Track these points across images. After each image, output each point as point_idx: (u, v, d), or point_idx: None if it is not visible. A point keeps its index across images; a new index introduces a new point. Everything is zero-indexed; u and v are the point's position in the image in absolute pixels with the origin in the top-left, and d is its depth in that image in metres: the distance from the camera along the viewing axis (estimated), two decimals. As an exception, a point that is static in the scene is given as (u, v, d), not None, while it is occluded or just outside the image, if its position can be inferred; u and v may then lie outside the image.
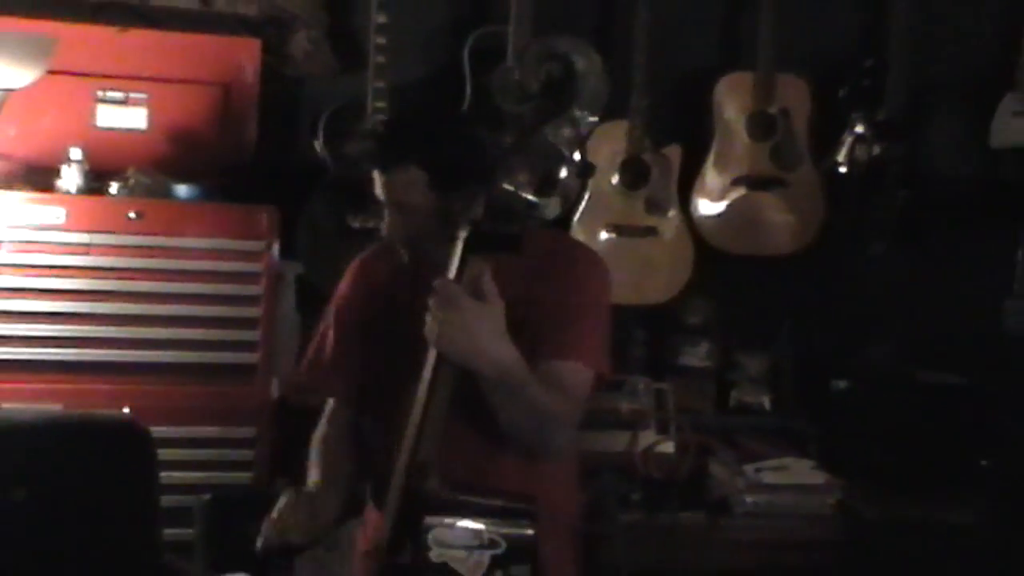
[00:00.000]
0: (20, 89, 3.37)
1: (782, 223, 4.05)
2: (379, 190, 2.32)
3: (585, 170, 3.51)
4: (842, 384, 3.92)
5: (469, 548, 2.08)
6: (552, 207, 2.81)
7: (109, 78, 3.69)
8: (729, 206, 4.03)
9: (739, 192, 4.02)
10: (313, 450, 2.54)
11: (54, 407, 3.41)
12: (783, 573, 3.52)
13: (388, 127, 3.07)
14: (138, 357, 3.50)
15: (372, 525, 2.42)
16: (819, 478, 3.65)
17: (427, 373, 2.15)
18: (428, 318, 2.11)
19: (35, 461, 3.05)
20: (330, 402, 2.60)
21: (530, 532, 2.12)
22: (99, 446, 3.15)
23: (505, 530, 2.10)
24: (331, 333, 2.53)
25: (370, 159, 2.36)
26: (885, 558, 3.49)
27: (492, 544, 2.09)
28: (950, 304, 4.03)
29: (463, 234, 2.12)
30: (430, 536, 2.07)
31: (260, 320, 3.59)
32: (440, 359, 2.12)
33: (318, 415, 2.65)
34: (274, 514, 2.35)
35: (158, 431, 3.19)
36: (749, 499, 3.57)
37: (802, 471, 3.67)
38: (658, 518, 3.49)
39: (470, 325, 2.08)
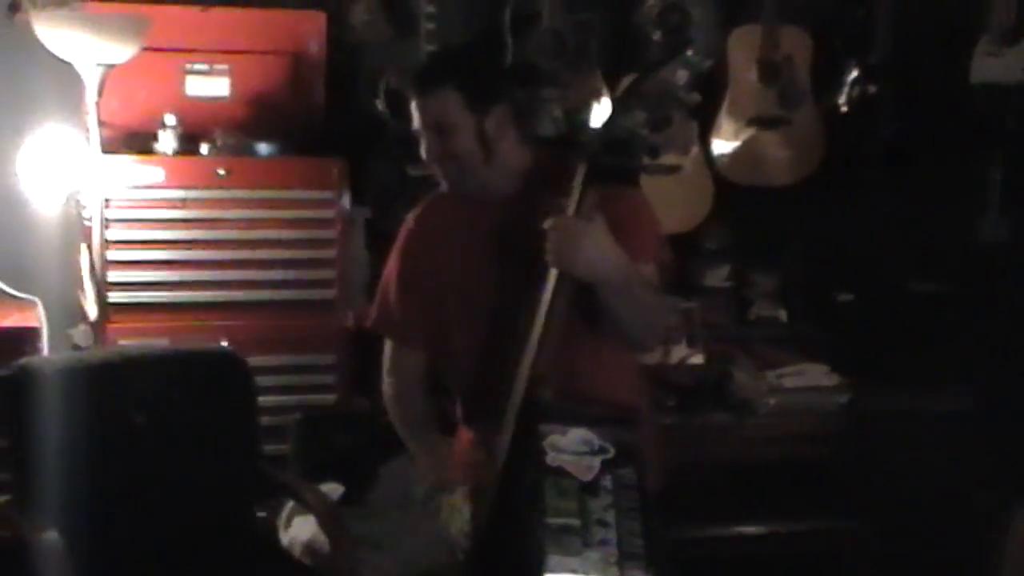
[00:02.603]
0: (119, 64, 3.53)
1: (786, 157, 4.22)
2: (417, 116, 2.38)
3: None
4: (847, 296, 4.14)
5: (580, 453, 2.15)
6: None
7: (195, 52, 3.87)
8: (742, 144, 4.19)
9: (750, 131, 4.20)
10: (395, 411, 2.61)
11: (162, 342, 3.63)
12: (801, 463, 3.74)
13: (427, 57, 3.26)
14: (231, 297, 3.76)
15: (466, 442, 2.56)
16: (832, 380, 3.84)
17: (547, 294, 2.23)
18: (549, 246, 2.20)
19: (151, 390, 3.23)
20: (387, 353, 2.62)
21: (634, 438, 2.20)
22: (204, 375, 3.34)
23: (612, 436, 2.18)
24: (392, 288, 2.57)
25: (410, 85, 2.43)
26: (889, 445, 3.72)
27: (602, 450, 2.16)
28: (934, 221, 4.13)
29: (582, 168, 2.22)
30: (545, 442, 2.15)
31: (335, 260, 3.84)
32: (561, 279, 2.21)
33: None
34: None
35: (253, 360, 3.39)
36: (772, 400, 3.78)
37: (818, 374, 3.86)
38: (691, 419, 3.68)
39: (598, 243, 2.20)
